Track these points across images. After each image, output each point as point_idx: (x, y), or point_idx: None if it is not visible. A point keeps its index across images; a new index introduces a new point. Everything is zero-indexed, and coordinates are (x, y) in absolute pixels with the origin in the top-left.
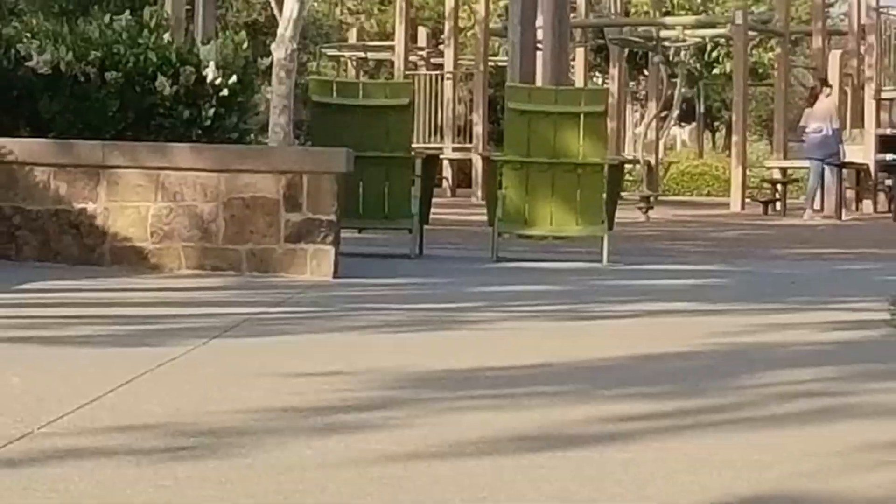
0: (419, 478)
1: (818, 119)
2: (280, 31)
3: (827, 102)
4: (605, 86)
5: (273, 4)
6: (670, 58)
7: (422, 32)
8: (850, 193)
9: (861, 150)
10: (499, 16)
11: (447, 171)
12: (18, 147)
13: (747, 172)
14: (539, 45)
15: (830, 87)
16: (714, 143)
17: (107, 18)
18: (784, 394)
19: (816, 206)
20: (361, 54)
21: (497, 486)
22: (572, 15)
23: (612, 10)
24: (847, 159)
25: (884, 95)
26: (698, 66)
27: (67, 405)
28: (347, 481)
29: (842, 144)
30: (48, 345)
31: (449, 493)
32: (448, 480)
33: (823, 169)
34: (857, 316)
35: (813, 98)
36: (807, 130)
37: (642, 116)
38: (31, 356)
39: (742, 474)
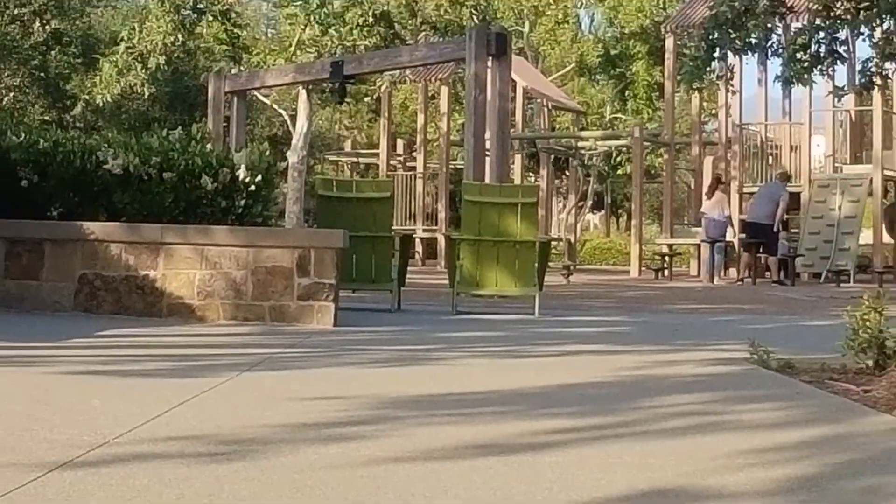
0: (398, 475)
1: (713, 208)
2: (294, 141)
3: (720, 195)
4: (537, 183)
5: (288, 122)
6: (585, 162)
7: (400, 143)
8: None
9: (731, 231)
10: (457, 130)
11: (419, 247)
12: (99, 229)
13: (642, 247)
14: (487, 153)
15: (724, 184)
16: (618, 225)
17: (164, 132)
18: (671, 413)
19: (709, 275)
20: (354, 159)
21: (456, 481)
22: (512, 130)
23: (542, 126)
24: (730, 239)
25: (745, 190)
26: (606, 168)
27: (134, 421)
28: (344, 478)
29: (731, 227)
30: (121, 377)
31: (420, 487)
32: (420, 477)
33: (713, 246)
34: (725, 355)
35: (710, 192)
36: (706, 216)
37: (564, 206)
38: (108, 385)
39: (641, 473)
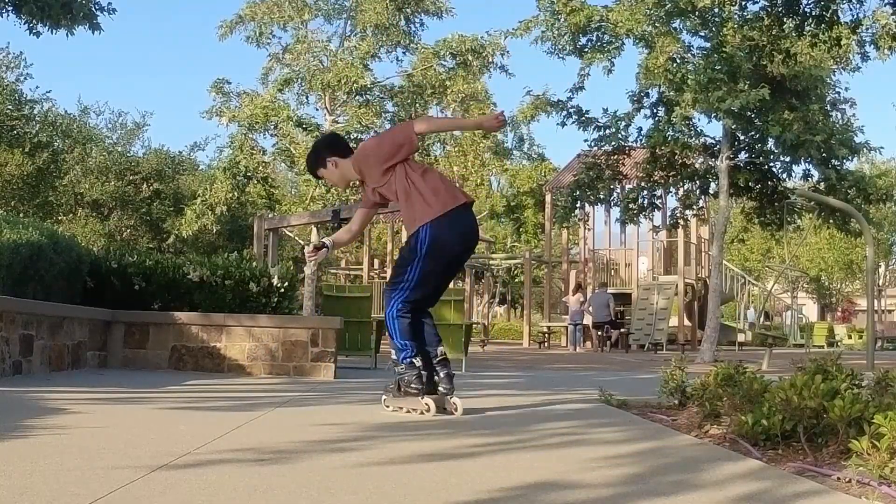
0: (375, 473)
1: (572, 303)
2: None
3: (578, 294)
4: (464, 287)
5: (305, 248)
6: (494, 273)
7: (376, 261)
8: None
9: (587, 317)
10: None
11: None
12: (184, 316)
13: (531, 328)
14: None
15: (582, 287)
16: (515, 314)
17: (226, 255)
18: (549, 433)
19: (573, 345)
20: (346, 272)
21: (412, 476)
22: None
23: None
24: (584, 322)
25: (596, 292)
26: (508, 277)
27: (207, 439)
28: (341, 475)
29: (584, 314)
30: (198, 410)
31: (390, 480)
32: (389, 474)
33: (575, 327)
34: (584, 396)
35: (574, 292)
36: (570, 308)
37: (481, 301)
38: (190, 416)
39: (530, 473)
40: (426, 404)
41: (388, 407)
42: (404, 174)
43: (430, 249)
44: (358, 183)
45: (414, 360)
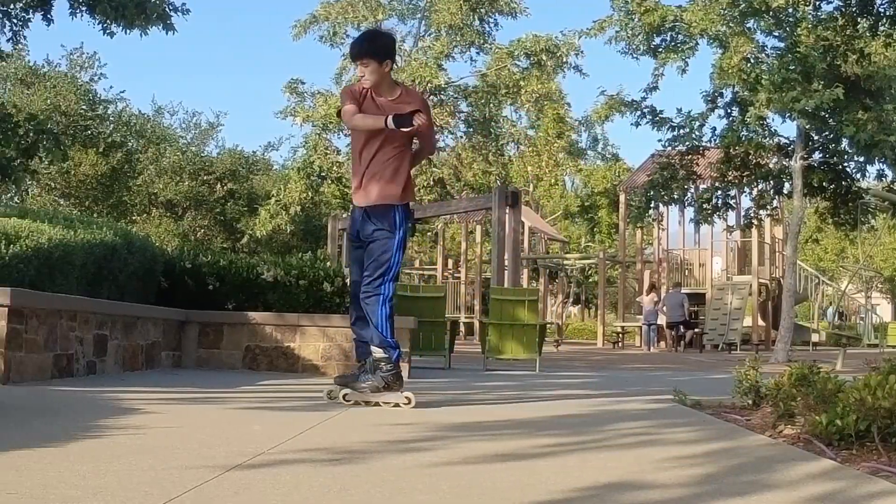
0: (449, 473)
1: (647, 303)
2: None
3: (652, 294)
4: (538, 287)
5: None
6: (568, 273)
7: (450, 261)
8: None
9: (661, 317)
10: (486, 253)
11: (462, 328)
12: (258, 316)
13: (605, 328)
14: (506, 268)
15: (656, 287)
16: (589, 314)
17: (300, 255)
18: (623, 434)
19: (647, 345)
20: (421, 272)
21: (486, 476)
22: (521, 253)
23: (541, 251)
24: (658, 322)
25: (670, 292)
26: (582, 277)
27: (280, 439)
28: (414, 475)
29: (658, 314)
30: (272, 411)
31: (463, 480)
32: (471, 473)
33: (649, 327)
34: (657, 396)
35: (647, 292)
36: (643, 307)
37: (555, 301)
38: (264, 416)
39: (603, 473)
40: (407, 398)
41: (348, 400)
42: (403, 144)
43: (405, 236)
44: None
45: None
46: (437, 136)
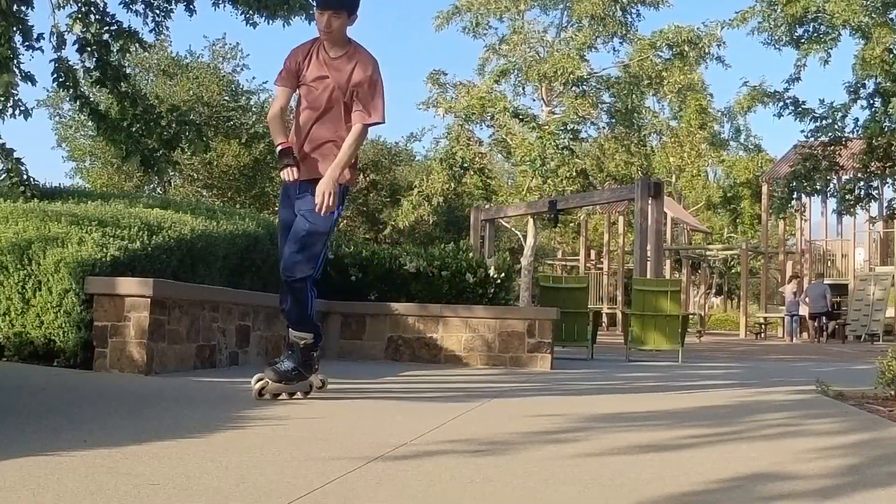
0: (591, 464)
1: (789, 293)
2: (525, 251)
3: (793, 283)
4: (680, 278)
5: (521, 239)
6: (711, 264)
7: (592, 252)
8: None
9: (803, 308)
10: (629, 244)
11: (604, 318)
12: (401, 307)
13: (747, 319)
14: (649, 259)
15: (799, 278)
16: (732, 304)
17: (442, 246)
18: (765, 425)
19: (790, 336)
20: (563, 263)
21: (629, 468)
22: (664, 244)
23: (683, 242)
24: (800, 313)
25: (813, 283)
26: (724, 268)
27: (423, 430)
28: (557, 466)
29: (801, 305)
30: (415, 401)
31: (606, 472)
32: (613, 464)
33: (792, 318)
34: (800, 388)
35: (790, 282)
36: (785, 298)
37: (698, 292)
38: (407, 407)
39: (745, 464)
40: (320, 380)
41: (263, 396)
42: (348, 115)
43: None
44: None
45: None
46: (380, 103)
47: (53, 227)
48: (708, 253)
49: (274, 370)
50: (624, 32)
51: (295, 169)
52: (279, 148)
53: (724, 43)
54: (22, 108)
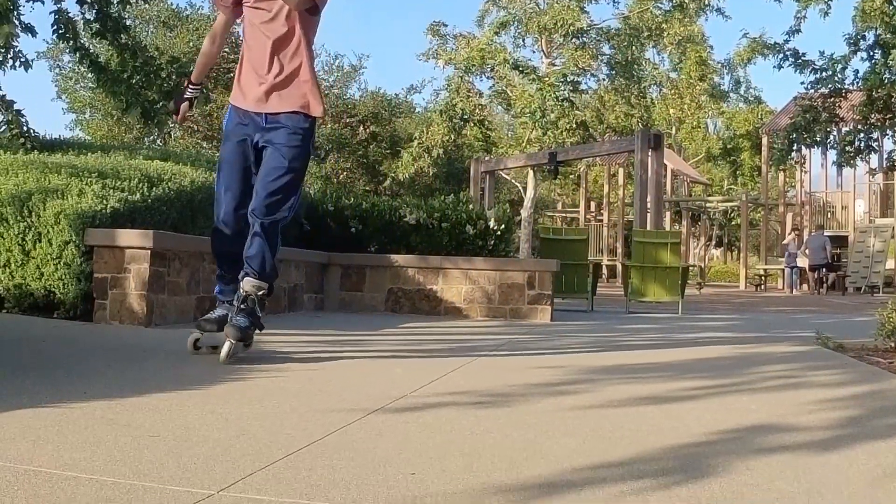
0: (592, 416)
1: (788, 245)
2: (525, 203)
3: (792, 236)
4: (680, 230)
5: (521, 190)
6: (710, 216)
7: (592, 204)
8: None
9: (803, 260)
10: (629, 196)
11: (604, 270)
12: (401, 259)
13: (747, 271)
14: (648, 210)
15: (799, 230)
16: (731, 256)
17: (442, 198)
18: (766, 377)
19: (789, 288)
20: (563, 214)
21: (629, 419)
22: (664, 196)
23: (683, 193)
24: (800, 264)
25: (812, 234)
26: (724, 219)
27: (422, 382)
28: (557, 418)
29: (798, 258)
30: (415, 353)
31: (606, 423)
32: (613, 416)
33: (792, 270)
34: (801, 340)
35: (790, 234)
36: (787, 250)
37: (697, 244)
38: (406, 359)
39: (746, 415)
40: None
41: (200, 349)
42: (309, 40)
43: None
44: None
45: None
46: None
47: (53, 179)
48: (708, 205)
49: (235, 327)
50: None
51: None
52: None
53: None
54: (22, 60)
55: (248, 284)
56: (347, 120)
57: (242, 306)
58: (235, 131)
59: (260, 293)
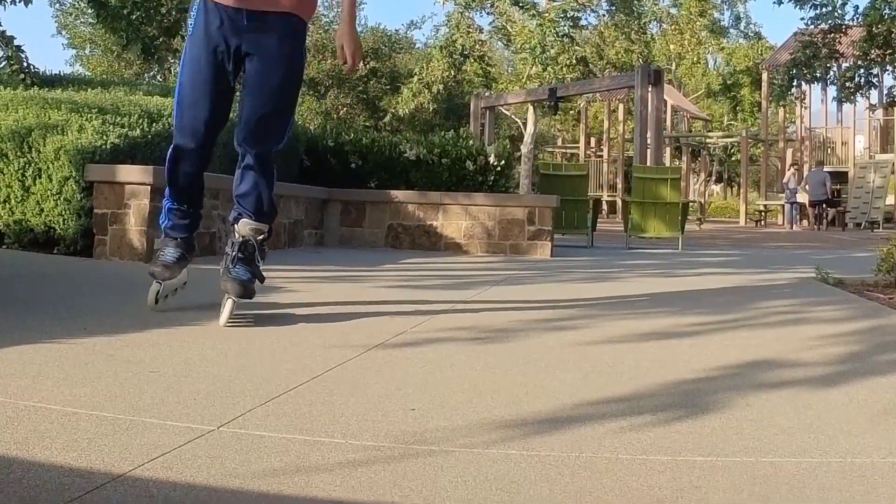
0: (592, 351)
1: (791, 181)
2: (525, 139)
3: (792, 171)
4: (680, 166)
5: (521, 126)
6: (711, 152)
7: (592, 139)
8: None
9: (803, 196)
10: (629, 132)
11: (604, 206)
12: (401, 195)
13: (747, 206)
14: (648, 146)
15: (799, 165)
16: (731, 192)
17: (442, 133)
18: (767, 312)
19: (789, 224)
20: (563, 150)
21: (628, 355)
22: (664, 132)
23: (683, 129)
24: (800, 200)
25: (812, 170)
26: (724, 155)
27: (423, 318)
28: (557, 353)
29: (798, 193)
30: (416, 289)
31: (606, 358)
32: (613, 352)
33: (792, 205)
34: (800, 275)
35: (790, 169)
36: (787, 186)
37: (697, 180)
38: (408, 294)
39: (747, 351)
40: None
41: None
42: None
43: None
44: None
45: None
46: None
47: (53, 115)
48: (708, 140)
49: (237, 282)
50: None
51: None
52: None
53: None
54: None
55: (245, 228)
56: None
57: (241, 255)
58: (207, 33)
59: (259, 237)
